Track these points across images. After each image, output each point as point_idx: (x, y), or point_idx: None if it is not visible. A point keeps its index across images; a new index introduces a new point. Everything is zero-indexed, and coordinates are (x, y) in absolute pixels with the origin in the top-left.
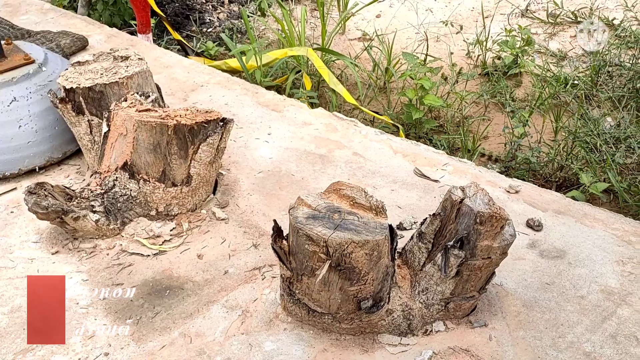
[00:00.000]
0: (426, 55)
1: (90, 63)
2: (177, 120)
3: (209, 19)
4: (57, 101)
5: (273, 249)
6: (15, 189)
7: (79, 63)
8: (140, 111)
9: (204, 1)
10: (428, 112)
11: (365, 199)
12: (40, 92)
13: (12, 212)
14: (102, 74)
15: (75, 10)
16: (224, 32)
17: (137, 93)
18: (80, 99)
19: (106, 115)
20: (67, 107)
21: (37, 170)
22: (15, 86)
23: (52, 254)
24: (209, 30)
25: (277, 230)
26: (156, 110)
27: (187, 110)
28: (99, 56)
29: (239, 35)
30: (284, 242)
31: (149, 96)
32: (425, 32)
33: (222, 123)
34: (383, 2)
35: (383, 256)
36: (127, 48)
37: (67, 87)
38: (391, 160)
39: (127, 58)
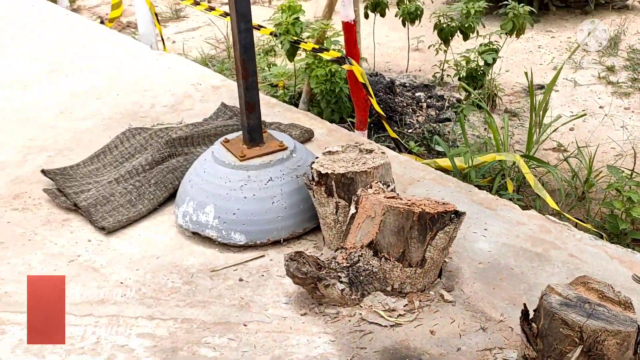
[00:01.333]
0: (632, 170)
1: (339, 153)
2: (422, 209)
3: (410, 121)
4: (313, 184)
5: (522, 329)
6: (263, 256)
7: (329, 152)
8: (387, 197)
9: (405, 105)
10: (630, 224)
11: (613, 294)
12: (290, 175)
13: (262, 275)
14: (352, 163)
15: (295, 105)
16: (423, 134)
17: (380, 182)
18: (332, 183)
19: (355, 199)
20: (321, 189)
21: (281, 241)
22: (271, 168)
23: (301, 315)
24: (409, 131)
25: (525, 313)
26: (401, 198)
27: (428, 200)
28: (347, 147)
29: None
30: (533, 324)
31: (389, 185)
32: (634, 147)
33: (454, 215)
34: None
35: (630, 348)
36: (370, 142)
37: (322, 172)
38: (608, 264)
39: (371, 151)
